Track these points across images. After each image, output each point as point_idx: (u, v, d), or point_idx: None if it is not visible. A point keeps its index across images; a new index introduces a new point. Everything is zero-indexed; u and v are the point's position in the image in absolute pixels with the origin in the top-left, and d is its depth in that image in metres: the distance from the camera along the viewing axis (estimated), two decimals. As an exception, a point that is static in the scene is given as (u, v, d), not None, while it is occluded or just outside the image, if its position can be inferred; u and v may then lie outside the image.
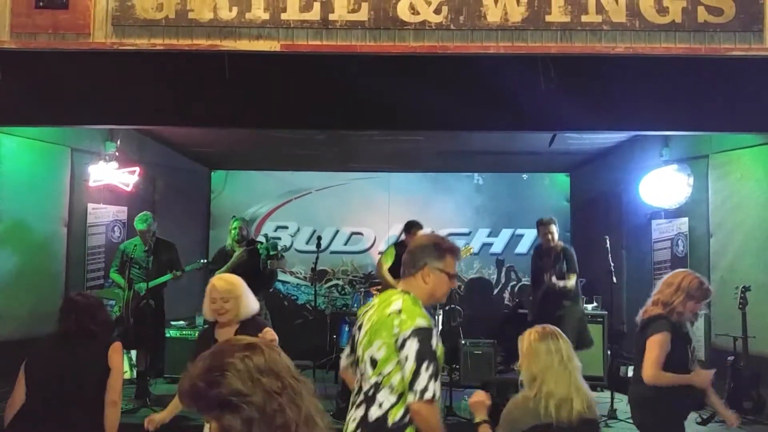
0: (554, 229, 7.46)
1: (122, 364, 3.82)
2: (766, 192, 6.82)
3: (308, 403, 1.65)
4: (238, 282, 4.06)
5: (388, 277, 7.10)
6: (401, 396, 2.88)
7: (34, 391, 3.67)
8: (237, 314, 3.96)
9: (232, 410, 1.58)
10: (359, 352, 3.05)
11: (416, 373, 2.83)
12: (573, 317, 7.30)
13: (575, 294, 7.43)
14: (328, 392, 6.66)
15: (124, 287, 7.07)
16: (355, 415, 2.99)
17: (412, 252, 3.10)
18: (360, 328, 3.10)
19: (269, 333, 3.94)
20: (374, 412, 2.92)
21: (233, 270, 7.36)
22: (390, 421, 2.90)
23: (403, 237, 7.67)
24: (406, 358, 2.86)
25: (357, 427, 2.96)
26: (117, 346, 3.82)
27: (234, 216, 8.00)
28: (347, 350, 3.25)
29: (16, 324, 6.92)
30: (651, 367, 3.77)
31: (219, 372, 1.60)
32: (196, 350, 4.01)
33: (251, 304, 4.04)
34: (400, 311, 2.94)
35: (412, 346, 2.85)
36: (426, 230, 7.30)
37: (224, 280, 4.04)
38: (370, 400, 2.94)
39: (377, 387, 2.93)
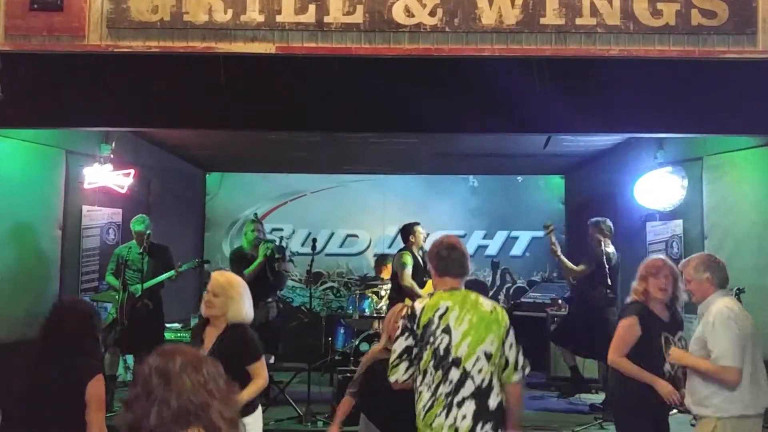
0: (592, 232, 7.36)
1: (104, 395, 3.38)
2: (760, 194, 6.83)
3: (178, 405, 1.88)
4: (238, 284, 3.93)
5: (415, 287, 6.90)
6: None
7: (10, 410, 3.30)
8: (224, 313, 3.83)
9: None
10: (460, 352, 3.27)
11: (520, 355, 3.39)
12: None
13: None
14: (323, 395, 6.65)
15: (119, 289, 7.05)
16: (463, 412, 3.22)
17: (466, 256, 3.53)
18: (445, 331, 3.27)
19: None
20: (494, 400, 3.30)
21: (258, 270, 7.23)
22: (503, 403, 3.33)
23: (400, 240, 7.46)
24: (511, 345, 3.38)
25: (475, 423, 3.22)
26: (100, 377, 3.37)
27: (252, 219, 7.90)
28: (405, 363, 3.32)
29: (10, 326, 6.88)
30: (612, 350, 4.05)
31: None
32: (191, 344, 4.01)
33: (243, 310, 3.89)
34: (494, 305, 3.43)
35: (512, 332, 3.40)
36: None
37: (225, 277, 3.94)
38: (485, 392, 3.27)
39: (492, 377, 3.31)
